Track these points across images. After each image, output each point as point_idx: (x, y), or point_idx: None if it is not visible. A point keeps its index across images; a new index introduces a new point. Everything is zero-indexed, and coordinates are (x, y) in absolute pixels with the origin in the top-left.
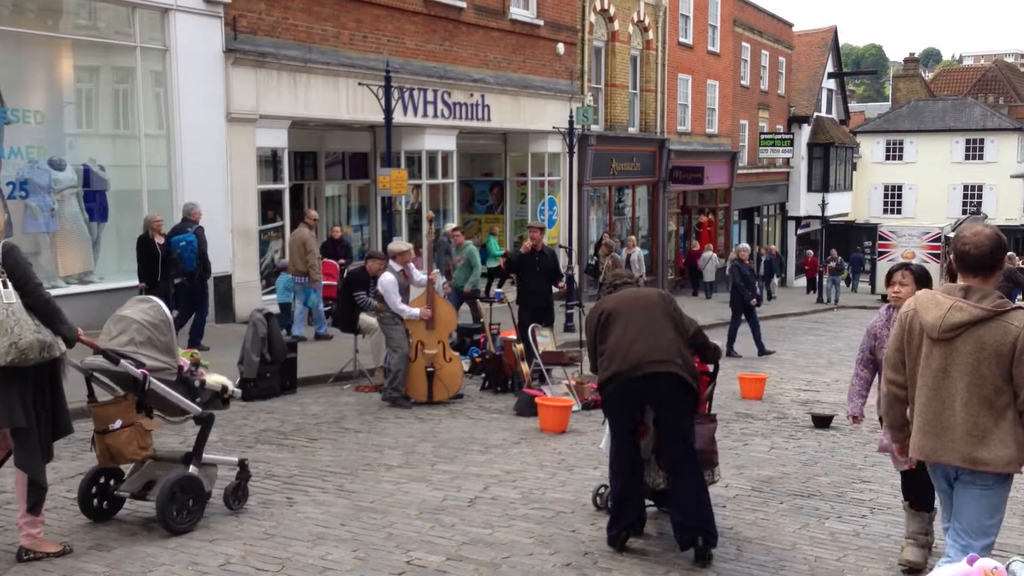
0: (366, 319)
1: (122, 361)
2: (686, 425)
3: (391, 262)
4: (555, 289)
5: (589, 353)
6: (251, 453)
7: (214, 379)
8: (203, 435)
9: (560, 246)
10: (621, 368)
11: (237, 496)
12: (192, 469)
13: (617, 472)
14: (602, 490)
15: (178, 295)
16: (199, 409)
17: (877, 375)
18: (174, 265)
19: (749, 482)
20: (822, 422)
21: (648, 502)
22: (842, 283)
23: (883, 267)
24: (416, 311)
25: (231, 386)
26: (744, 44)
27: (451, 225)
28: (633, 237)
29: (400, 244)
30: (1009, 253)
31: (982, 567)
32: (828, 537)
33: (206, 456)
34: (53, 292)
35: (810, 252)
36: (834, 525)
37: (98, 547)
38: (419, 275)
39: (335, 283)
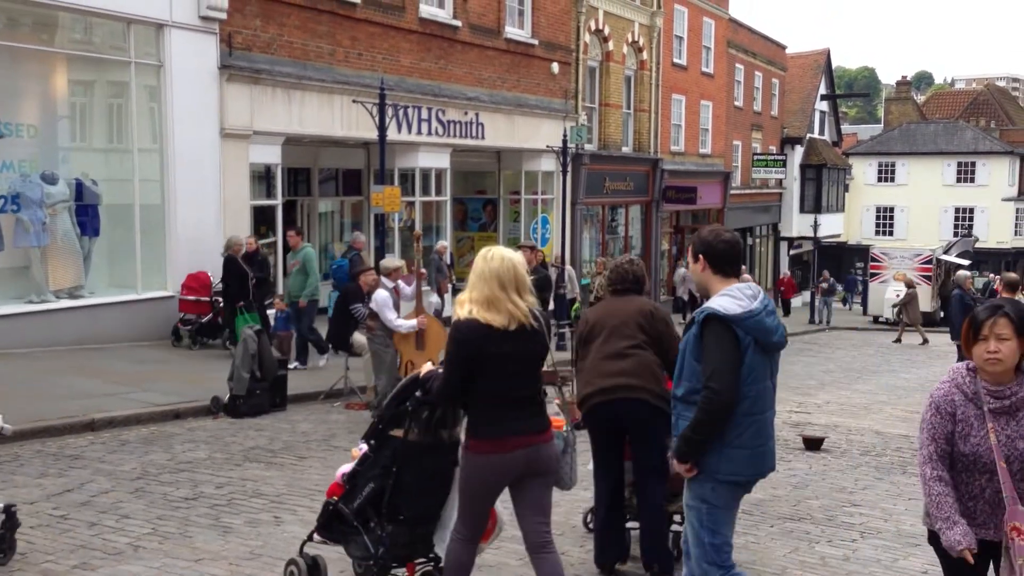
0: (359, 337)
1: None
2: (655, 454)
3: (383, 279)
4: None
5: (573, 360)
6: (239, 471)
7: None
8: None
9: (553, 265)
10: (592, 390)
11: (1, 548)
12: None
13: (599, 500)
14: (591, 513)
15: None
16: None
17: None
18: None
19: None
20: (813, 444)
21: (633, 524)
22: (836, 304)
23: (875, 288)
24: (413, 323)
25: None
26: (738, 65)
27: (443, 243)
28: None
29: (393, 261)
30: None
31: None
32: (818, 561)
33: None
34: (43, 307)
35: (786, 273)
36: (824, 549)
37: (82, 566)
38: (408, 290)
39: (206, 298)
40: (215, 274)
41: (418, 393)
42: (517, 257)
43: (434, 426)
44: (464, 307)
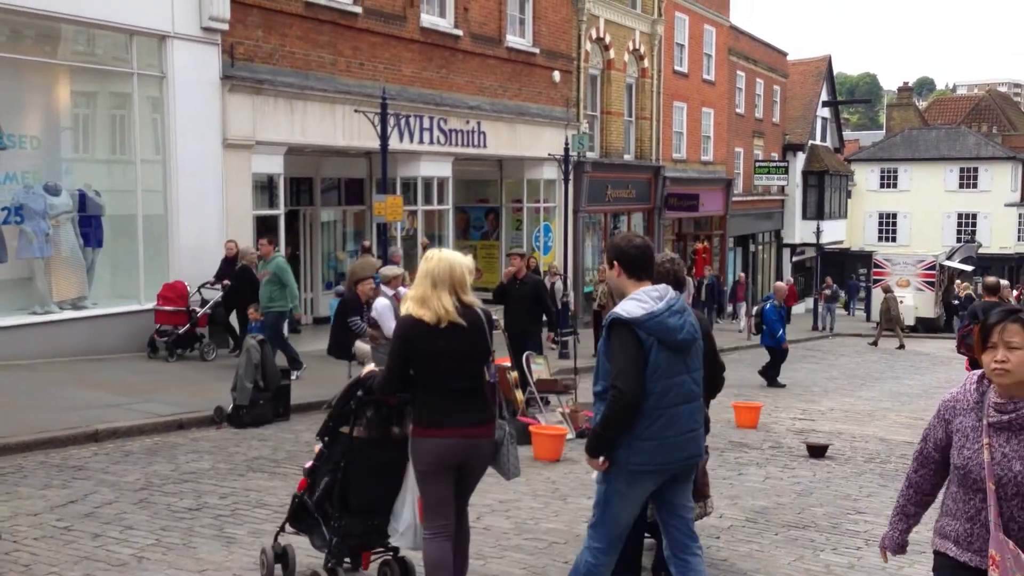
0: (361, 346)
1: None
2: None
3: (383, 287)
4: (544, 332)
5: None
6: (243, 481)
7: None
8: None
9: (556, 273)
10: None
11: None
12: None
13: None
14: None
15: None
16: None
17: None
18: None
19: (743, 513)
20: (817, 451)
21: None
22: (839, 310)
23: (878, 295)
24: None
25: None
26: (739, 72)
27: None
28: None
29: (393, 269)
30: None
31: None
32: (823, 569)
33: None
34: (47, 318)
35: (789, 279)
36: (829, 557)
37: None
38: None
39: (182, 308)
40: (192, 284)
41: (360, 392)
42: (456, 258)
43: (382, 422)
44: (404, 304)
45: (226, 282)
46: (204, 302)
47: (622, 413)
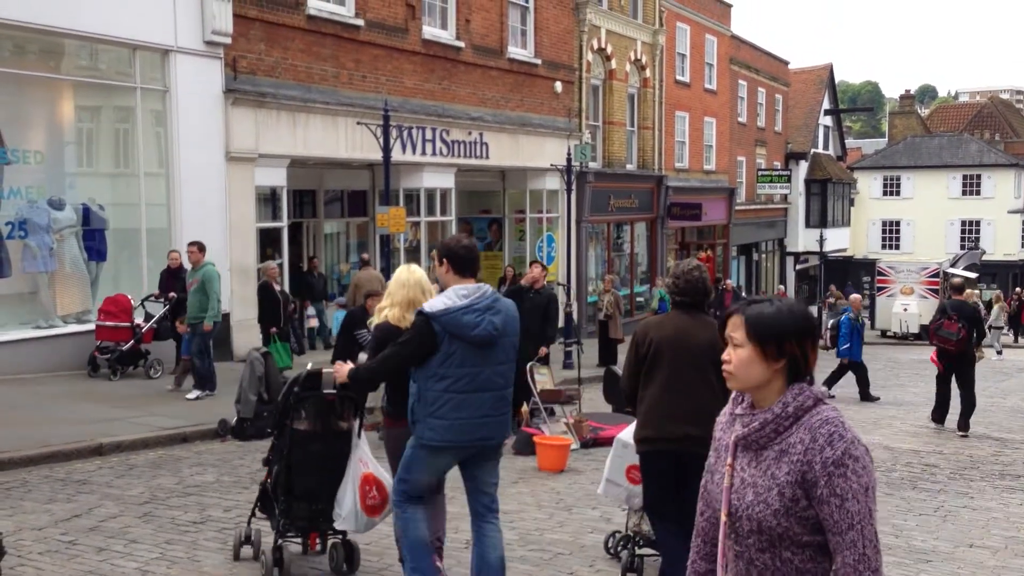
0: (364, 358)
1: None
2: None
3: None
4: (541, 350)
5: (626, 375)
6: (248, 494)
7: None
8: None
9: (559, 283)
10: (659, 434)
11: None
12: None
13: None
14: (612, 537)
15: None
16: None
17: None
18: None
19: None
20: None
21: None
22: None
23: (883, 302)
24: None
25: None
26: (741, 82)
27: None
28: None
29: None
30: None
31: None
32: None
33: None
34: (51, 332)
35: (780, 288)
36: None
37: None
38: None
39: (126, 323)
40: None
41: (296, 389)
42: (420, 271)
43: (320, 416)
44: (387, 311)
45: (172, 295)
46: (149, 317)
47: (376, 373)
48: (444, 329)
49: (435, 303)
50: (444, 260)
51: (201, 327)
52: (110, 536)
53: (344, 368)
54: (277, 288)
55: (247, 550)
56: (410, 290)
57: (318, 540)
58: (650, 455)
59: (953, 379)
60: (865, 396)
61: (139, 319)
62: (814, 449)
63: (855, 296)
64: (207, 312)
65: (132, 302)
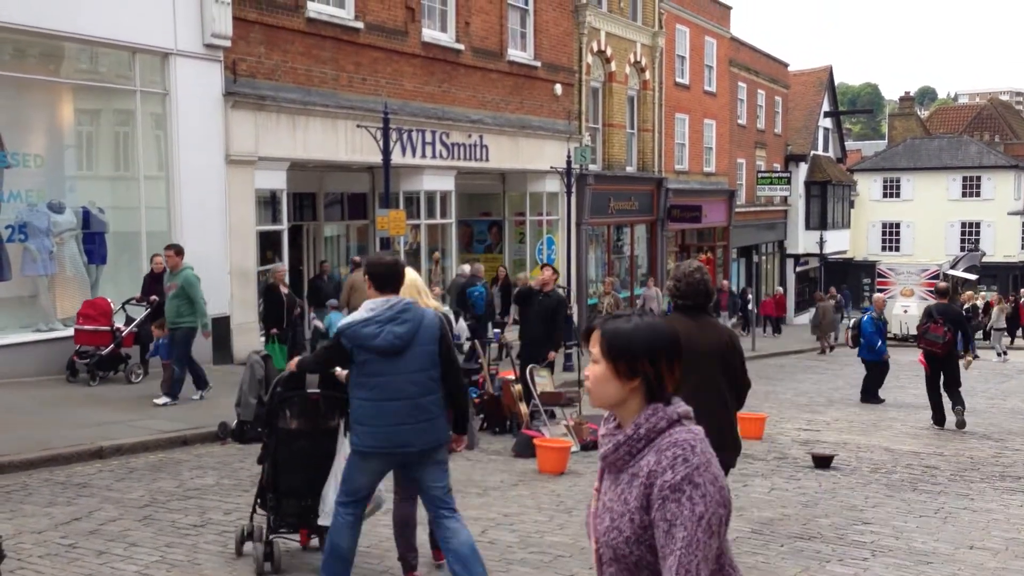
0: None
1: None
2: None
3: None
4: (550, 354)
5: None
6: (248, 497)
7: None
8: None
9: (559, 286)
10: None
11: None
12: None
13: None
14: None
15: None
16: None
17: None
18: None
19: (749, 524)
20: (823, 462)
21: None
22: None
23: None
24: None
25: None
26: (740, 84)
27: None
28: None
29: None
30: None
31: None
32: None
33: None
34: (51, 335)
35: (778, 290)
36: (835, 568)
37: None
38: None
39: (105, 327)
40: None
41: (279, 389)
42: (412, 275)
43: (311, 415)
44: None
45: (153, 298)
46: (130, 320)
47: (308, 368)
48: (350, 341)
49: (348, 317)
50: (366, 276)
51: (180, 333)
52: (110, 539)
53: (294, 361)
54: (284, 290)
55: (249, 547)
56: (406, 291)
57: (310, 536)
58: None
59: (941, 380)
60: (871, 397)
61: (120, 323)
62: (656, 472)
63: (878, 296)
64: (188, 318)
65: (112, 306)
